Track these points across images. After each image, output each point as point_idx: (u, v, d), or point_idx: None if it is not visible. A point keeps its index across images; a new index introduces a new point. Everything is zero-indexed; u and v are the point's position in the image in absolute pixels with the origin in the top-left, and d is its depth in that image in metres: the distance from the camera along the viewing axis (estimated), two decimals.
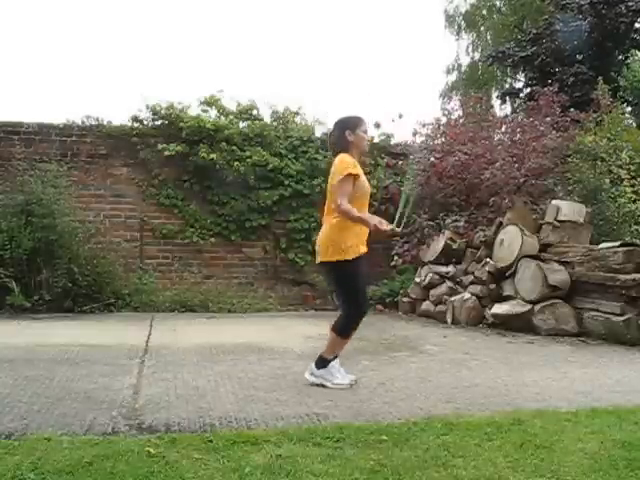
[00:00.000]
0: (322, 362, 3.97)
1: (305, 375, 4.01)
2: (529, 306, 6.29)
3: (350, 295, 3.97)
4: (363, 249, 3.94)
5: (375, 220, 3.84)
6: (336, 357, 4.02)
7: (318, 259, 4.02)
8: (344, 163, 3.90)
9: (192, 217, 8.83)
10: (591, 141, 8.29)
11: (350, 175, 3.85)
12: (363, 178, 3.99)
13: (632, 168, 8.21)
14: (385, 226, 3.83)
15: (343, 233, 3.86)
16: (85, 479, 2.37)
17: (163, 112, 8.73)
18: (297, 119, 9.40)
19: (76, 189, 8.20)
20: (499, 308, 6.56)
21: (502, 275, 6.77)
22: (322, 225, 4.07)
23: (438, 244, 7.62)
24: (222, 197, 8.83)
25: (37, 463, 2.48)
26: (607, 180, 8.00)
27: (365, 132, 4.10)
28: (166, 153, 8.50)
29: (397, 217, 4.07)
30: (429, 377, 4.24)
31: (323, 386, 3.89)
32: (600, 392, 3.87)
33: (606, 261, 6.03)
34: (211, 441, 2.76)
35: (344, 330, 3.97)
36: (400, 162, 9.02)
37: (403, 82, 29.10)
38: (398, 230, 4.08)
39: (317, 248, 4.02)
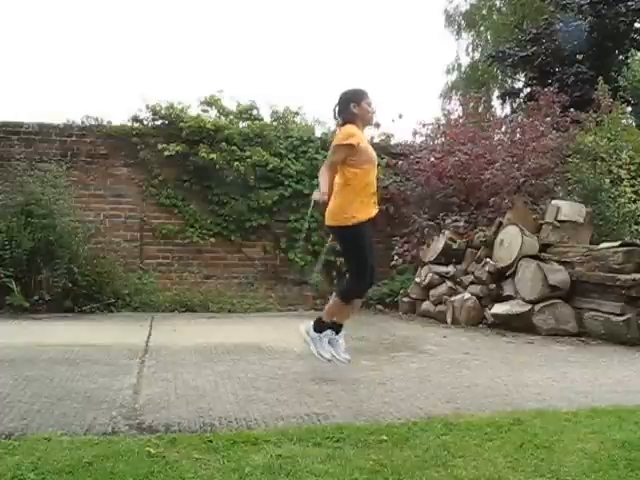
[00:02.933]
0: (319, 325, 4.12)
1: (300, 326, 4.16)
2: (529, 306, 6.29)
3: (353, 261, 4.12)
4: (364, 216, 4.04)
5: (322, 189, 3.96)
6: (340, 329, 4.11)
7: (326, 222, 4.18)
8: (343, 133, 4.04)
9: (192, 217, 8.83)
10: (591, 141, 8.29)
11: (344, 145, 3.97)
12: (366, 146, 4.10)
13: (632, 168, 8.21)
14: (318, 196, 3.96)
15: (346, 205, 4.01)
16: (85, 479, 2.37)
17: (163, 112, 8.73)
18: (297, 119, 9.41)
19: (76, 189, 8.19)
20: (499, 308, 6.56)
21: (502, 275, 6.77)
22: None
23: (438, 244, 7.61)
24: (222, 197, 8.83)
25: (37, 463, 2.47)
26: (607, 180, 7.99)
27: (369, 104, 4.19)
28: (166, 153, 8.50)
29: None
30: (429, 377, 4.24)
31: (307, 344, 4.08)
32: (600, 392, 3.87)
33: (606, 261, 6.03)
34: (211, 441, 2.76)
35: (344, 294, 4.11)
36: (400, 162, 9.01)
37: (403, 82, 29.11)
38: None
39: (326, 213, 4.17)
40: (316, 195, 4.00)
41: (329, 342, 4.15)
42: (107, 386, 3.80)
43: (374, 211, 4.13)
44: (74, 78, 26.26)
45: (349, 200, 4.01)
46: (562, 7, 14.13)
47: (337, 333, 4.17)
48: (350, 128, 4.05)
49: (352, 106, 4.08)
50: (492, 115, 10.20)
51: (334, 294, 4.14)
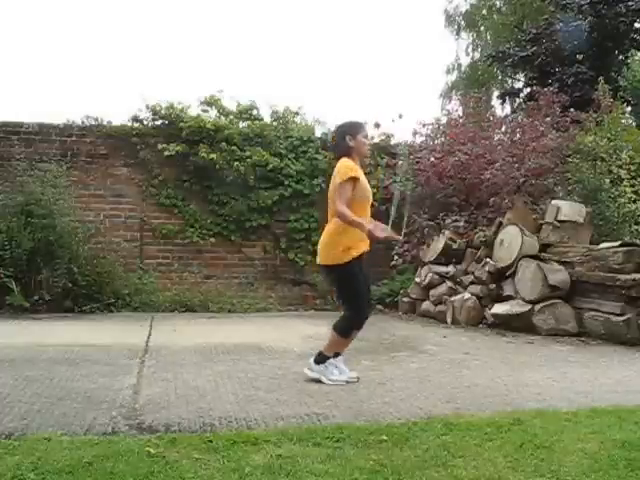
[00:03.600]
0: (321, 358, 4.03)
1: (304, 370, 4.06)
2: (529, 306, 6.29)
3: (349, 298, 4.03)
4: (360, 250, 3.96)
5: (371, 225, 3.87)
6: (338, 355, 4.06)
7: (318, 260, 4.11)
8: (345, 167, 3.98)
9: (192, 217, 8.83)
10: (591, 141, 8.28)
11: (350, 179, 3.93)
12: (364, 181, 4.06)
13: (632, 168, 8.20)
14: (379, 232, 3.87)
15: (340, 237, 3.94)
16: (85, 479, 2.37)
17: (163, 112, 8.73)
18: (297, 119, 9.40)
19: (76, 189, 8.20)
20: (499, 308, 6.56)
21: (502, 275, 6.77)
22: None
23: (438, 244, 7.61)
24: (222, 197, 8.83)
25: (37, 463, 2.48)
26: (607, 180, 7.99)
27: (366, 137, 4.20)
28: (166, 153, 8.50)
29: (391, 220, 4.14)
30: (429, 377, 4.24)
31: (320, 381, 3.94)
32: (600, 392, 3.87)
33: (606, 261, 6.03)
34: (211, 441, 2.76)
35: (343, 331, 4.03)
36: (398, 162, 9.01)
37: (403, 82, 29.13)
38: (397, 237, 4.13)
39: (318, 249, 4.11)
40: (373, 227, 3.84)
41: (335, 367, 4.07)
42: (107, 386, 3.80)
43: (366, 246, 4.03)
44: (74, 78, 26.27)
45: (341, 239, 3.93)
46: (562, 7, 14.12)
47: (336, 357, 4.09)
48: (348, 162, 4.01)
49: (348, 139, 4.05)
50: (492, 115, 10.18)
51: (332, 331, 4.03)
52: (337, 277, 4.05)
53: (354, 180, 3.94)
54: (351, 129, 4.11)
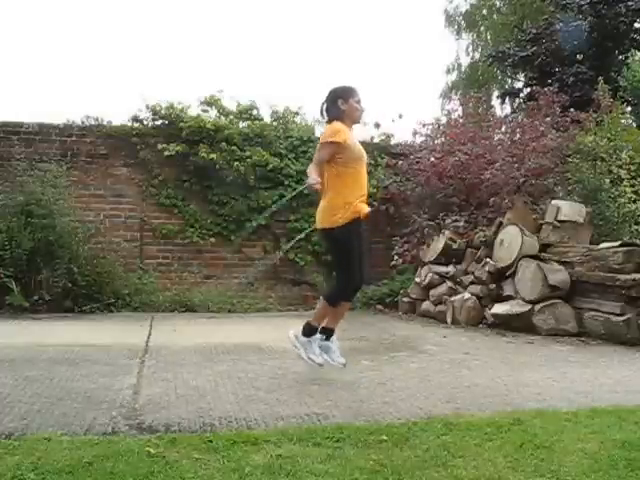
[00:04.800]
0: (308, 329, 4.02)
1: (289, 332, 4.06)
2: (529, 306, 6.29)
3: (341, 264, 3.99)
4: (351, 216, 3.91)
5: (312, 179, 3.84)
6: (331, 334, 4.05)
7: (317, 225, 4.10)
8: (329, 130, 3.96)
9: (192, 217, 8.83)
10: (591, 141, 8.28)
11: (330, 143, 3.89)
12: (352, 143, 3.98)
13: (632, 168, 8.20)
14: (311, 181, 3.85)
15: (335, 202, 3.92)
16: (85, 479, 2.37)
17: (163, 112, 8.73)
18: (297, 119, 9.41)
19: (76, 189, 8.20)
20: (499, 308, 6.56)
21: (502, 275, 6.77)
22: None
23: (438, 244, 7.61)
24: (222, 197, 8.83)
25: (37, 463, 2.47)
26: (607, 180, 7.99)
27: (358, 102, 4.08)
28: (166, 153, 8.50)
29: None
30: (429, 377, 4.24)
31: (297, 350, 4.00)
32: (600, 392, 3.87)
33: (606, 261, 6.03)
34: (211, 441, 2.76)
35: (331, 298, 4.00)
36: (400, 162, 9.01)
37: (403, 82, 29.13)
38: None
39: (316, 216, 4.11)
40: (310, 180, 3.84)
41: (321, 347, 4.06)
42: (107, 386, 3.79)
43: (364, 209, 3.98)
44: (74, 78, 26.28)
45: (336, 200, 3.91)
46: (562, 7, 14.13)
47: (328, 338, 4.08)
48: (336, 125, 3.95)
49: (340, 103, 4.00)
50: (492, 115, 10.18)
51: (321, 298, 4.03)
52: (331, 240, 4.01)
53: (337, 144, 3.87)
54: (343, 93, 4.04)
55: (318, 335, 4.03)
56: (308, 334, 4.03)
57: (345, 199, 3.91)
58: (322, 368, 4.09)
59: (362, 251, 4.09)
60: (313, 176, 3.83)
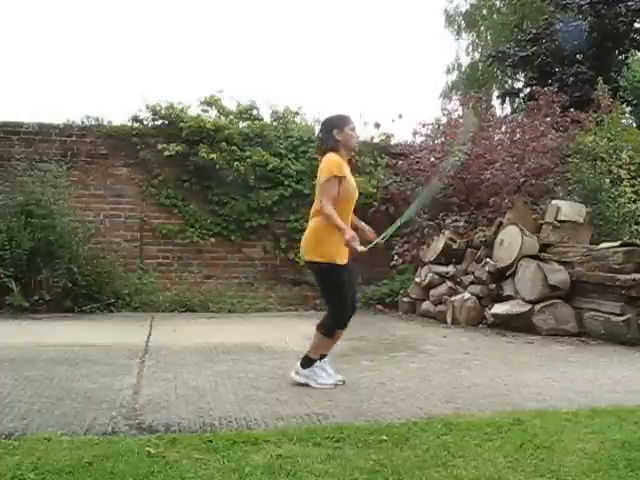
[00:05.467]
0: (307, 362, 3.96)
1: (291, 374, 3.99)
2: (529, 306, 6.29)
3: (333, 297, 3.93)
4: (344, 253, 3.87)
5: (350, 234, 3.76)
6: (323, 357, 4.01)
7: (304, 257, 4.02)
8: (331, 163, 3.86)
9: (192, 217, 8.83)
10: (591, 141, 8.28)
11: (336, 177, 3.81)
12: (349, 179, 3.94)
13: (632, 168, 8.21)
14: (357, 245, 3.78)
15: (326, 235, 3.83)
16: (85, 479, 2.37)
17: (163, 112, 8.73)
18: (297, 119, 9.40)
19: (76, 189, 8.19)
20: (499, 308, 6.56)
21: (502, 275, 6.77)
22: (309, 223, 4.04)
23: (438, 244, 7.61)
24: (222, 197, 8.83)
25: (37, 463, 2.48)
26: (607, 180, 7.99)
27: (353, 130, 4.04)
28: (166, 153, 8.50)
29: (384, 235, 4.07)
30: (429, 377, 4.24)
31: (308, 385, 3.88)
32: (600, 392, 3.87)
33: (606, 261, 6.03)
34: (211, 441, 2.76)
35: (328, 331, 3.95)
36: (400, 162, 9.01)
37: (403, 82, 29.13)
38: (378, 240, 4.03)
39: (302, 246, 4.02)
40: (360, 247, 3.79)
41: (321, 369, 4.00)
42: (107, 386, 3.80)
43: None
44: (74, 78, 26.28)
45: (327, 235, 3.82)
46: (562, 7, 14.13)
47: (322, 359, 4.03)
48: (335, 157, 3.89)
49: (335, 132, 3.93)
50: (492, 115, 10.18)
51: (316, 331, 3.96)
52: (324, 275, 3.93)
53: (339, 178, 3.83)
54: (338, 122, 3.98)
55: (317, 362, 3.98)
56: (309, 365, 3.96)
57: (335, 235, 3.81)
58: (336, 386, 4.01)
59: (352, 280, 4.05)
60: (346, 230, 3.76)
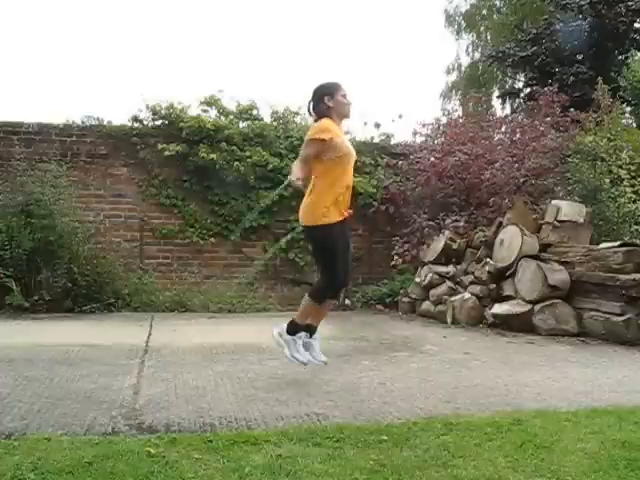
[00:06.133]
0: (293, 327, 3.99)
1: (273, 330, 4.05)
2: (529, 306, 6.29)
3: (326, 263, 3.94)
4: (338, 217, 3.91)
5: (294, 172, 3.84)
6: (314, 332, 4.02)
7: (299, 221, 4.05)
8: (317, 127, 3.91)
9: (192, 217, 8.83)
10: (591, 141, 8.29)
11: (316, 140, 3.84)
12: (340, 140, 3.94)
13: (632, 168, 8.21)
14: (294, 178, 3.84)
15: (319, 199, 3.88)
16: (85, 479, 2.37)
17: (163, 112, 8.72)
18: (297, 119, 9.40)
19: (76, 189, 8.17)
20: (499, 308, 6.56)
21: (502, 275, 6.76)
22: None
23: (438, 244, 7.61)
24: (222, 197, 8.83)
25: (37, 463, 2.48)
26: (607, 180, 8.00)
27: (344, 96, 4.03)
28: (166, 153, 8.50)
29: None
30: (429, 377, 4.24)
31: (281, 347, 3.97)
32: (600, 392, 3.87)
33: (606, 261, 6.03)
34: (211, 441, 2.76)
35: (316, 295, 3.97)
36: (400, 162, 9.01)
37: (403, 82, 29.13)
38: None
39: (300, 210, 4.04)
40: (292, 176, 3.84)
41: (304, 345, 4.03)
42: (107, 386, 3.80)
43: (346, 211, 3.98)
44: (74, 78, 26.28)
45: (321, 198, 3.87)
46: (562, 7, 14.12)
47: (311, 335, 4.05)
48: (324, 122, 3.90)
49: (326, 99, 3.94)
50: (492, 115, 10.19)
51: (306, 296, 3.99)
52: (316, 239, 3.96)
53: (322, 142, 3.82)
54: (329, 89, 3.98)
55: (303, 333, 4.00)
56: (293, 332, 3.99)
57: (330, 197, 3.87)
58: (324, 367, 4.08)
59: (347, 249, 4.06)
60: (295, 172, 3.82)
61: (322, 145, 3.85)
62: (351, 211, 4.06)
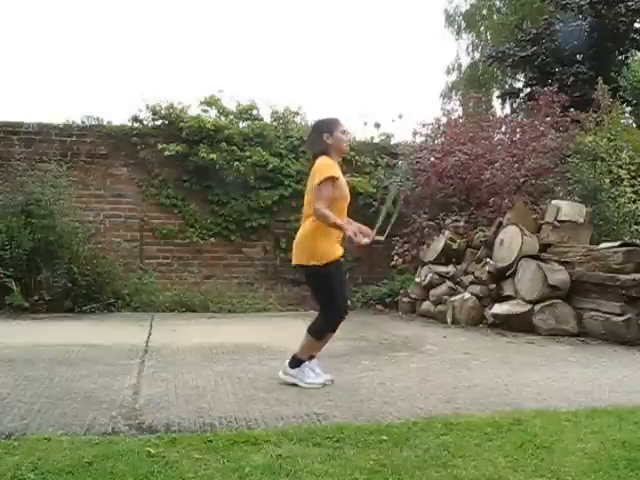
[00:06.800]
0: (295, 362, 3.94)
1: (279, 374, 3.98)
2: (529, 306, 6.29)
3: (326, 300, 3.91)
4: (338, 253, 3.89)
5: (352, 229, 3.80)
6: (312, 357, 3.99)
7: (294, 261, 3.98)
8: (325, 166, 3.84)
9: (192, 217, 8.84)
10: (591, 141, 8.29)
11: (330, 178, 3.79)
12: (343, 181, 3.92)
13: (632, 168, 8.20)
14: (360, 238, 3.79)
15: (318, 238, 3.82)
16: (85, 479, 2.37)
17: (163, 112, 8.73)
18: (297, 119, 9.41)
19: (76, 189, 8.19)
20: (499, 308, 6.56)
21: (502, 275, 6.76)
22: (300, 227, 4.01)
23: (438, 244, 7.61)
24: (222, 197, 8.84)
25: (37, 463, 2.48)
26: (607, 180, 7.99)
27: (343, 133, 4.01)
28: (166, 153, 8.50)
29: (378, 225, 4.03)
30: (429, 377, 4.24)
31: (296, 385, 3.87)
32: (600, 392, 3.87)
33: (606, 261, 6.03)
34: (211, 441, 2.76)
35: (318, 333, 3.94)
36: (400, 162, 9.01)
37: (403, 82, 29.14)
38: (379, 238, 4.02)
39: (293, 250, 3.98)
40: (365, 239, 3.83)
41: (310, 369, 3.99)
42: (107, 386, 3.80)
43: (340, 250, 3.94)
44: (74, 78, 26.29)
45: (320, 239, 3.81)
46: (562, 7, 14.12)
47: (310, 360, 4.01)
48: (326, 160, 3.87)
49: (325, 137, 3.90)
50: (492, 115, 10.19)
51: (307, 333, 3.95)
52: (313, 278, 3.92)
53: (333, 179, 3.80)
54: (328, 126, 3.95)
55: (306, 362, 3.96)
56: (297, 365, 3.94)
57: (328, 239, 3.82)
58: (324, 367, 4.05)
59: (344, 282, 4.04)
60: (350, 229, 3.78)
61: (333, 183, 3.82)
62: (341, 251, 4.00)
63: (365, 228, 4.04)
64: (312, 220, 3.84)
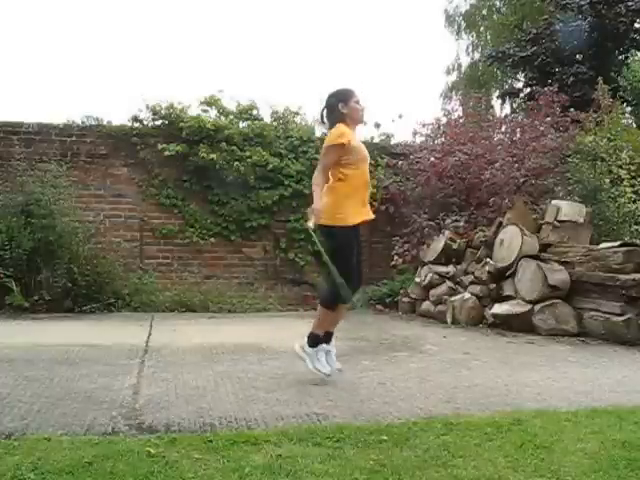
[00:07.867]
0: (313, 339, 3.99)
1: (295, 345, 4.03)
2: (529, 306, 6.29)
3: (340, 263, 3.92)
4: (358, 219, 3.96)
5: (314, 207, 3.85)
6: (330, 337, 4.02)
7: (318, 221, 4.01)
8: (334, 133, 3.93)
9: (192, 217, 8.83)
10: (591, 141, 8.29)
11: (335, 145, 3.88)
12: (357, 144, 3.99)
13: (632, 168, 8.21)
14: (310, 221, 3.89)
15: (336, 201, 3.90)
16: (85, 479, 2.37)
17: (163, 112, 8.73)
18: (297, 119, 9.40)
19: (76, 189, 8.18)
20: (499, 308, 6.56)
21: (502, 275, 6.76)
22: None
23: (438, 244, 7.61)
24: (222, 197, 8.83)
25: (37, 463, 2.47)
26: (607, 180, 8.00)
27: (358, 102, 4.06)
28: (166, 153, 8.50)
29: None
30: (429, 377, 4.24)
31: (304, 361, 3.96)
32: (600, 392, 3.87)
33: (606, 261, 6.03)
34: (211, 441, 2.76)
35: (330, 301, 3.97)
36: (400, 162, 9.01)
37: (403, 82, 29.14)
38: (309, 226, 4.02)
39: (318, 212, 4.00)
40: (310, 223, 3.89)
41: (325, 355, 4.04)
42: (107, 386, 3.80)
43: (366, 214, 4.03)
44: (74, 78, 26.29)
45: (341, 200, 3.89)
46: (562, 7, 14.12)
47: (328, 342, 4.06)
48: (340, 127, 3.94)
49: (340, 106, 3.98)
50: (492, 115, 10.19)
51: (319, 305, 3.99)
52: (329, 237, 3.96)
53: (342, 146, 3.87)
54: (342, 96, 4.02)
55: (324, 345, 4.00)
56: (314, 344, 3.99)
57: (349, 201, 3.91)
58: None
59: (359, 252, 4.09)
60: (316, 205, 3.84)
61: (342, 150, 3.89)
62: (372, 216, 4.12)
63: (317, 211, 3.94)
64: (332, 184, 3.94)
